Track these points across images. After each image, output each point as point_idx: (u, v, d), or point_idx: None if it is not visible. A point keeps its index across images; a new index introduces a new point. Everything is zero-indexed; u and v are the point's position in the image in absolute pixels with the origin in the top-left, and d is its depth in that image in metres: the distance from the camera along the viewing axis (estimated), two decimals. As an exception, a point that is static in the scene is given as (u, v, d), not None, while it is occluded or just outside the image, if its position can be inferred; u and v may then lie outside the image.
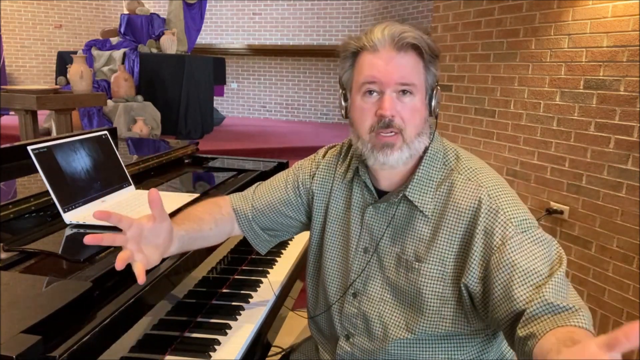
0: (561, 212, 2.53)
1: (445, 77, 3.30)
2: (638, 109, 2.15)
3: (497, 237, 0.85)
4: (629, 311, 2.22)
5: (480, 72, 3.03)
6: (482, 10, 2.98)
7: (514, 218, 0.86)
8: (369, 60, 0.90)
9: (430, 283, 0.93)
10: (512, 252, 0.83)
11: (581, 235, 2.45)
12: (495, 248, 0.85)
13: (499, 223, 0.86)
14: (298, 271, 1.63)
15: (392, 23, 0.91)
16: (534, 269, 0.81)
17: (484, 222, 0.87)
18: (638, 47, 2.13)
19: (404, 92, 0.90)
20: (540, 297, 0.77)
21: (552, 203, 2.58)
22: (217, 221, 1.10)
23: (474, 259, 0.87)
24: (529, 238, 0.85)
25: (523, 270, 0.81)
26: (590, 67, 2.35)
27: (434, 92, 0.94)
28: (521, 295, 0.80)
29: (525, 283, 0.80)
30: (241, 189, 1.23)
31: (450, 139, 3.28)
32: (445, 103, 3.32)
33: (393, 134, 0.90)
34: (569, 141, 2.48)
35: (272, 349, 1.39)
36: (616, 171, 2.25)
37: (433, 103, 0.95)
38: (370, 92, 0.91)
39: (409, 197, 0.95)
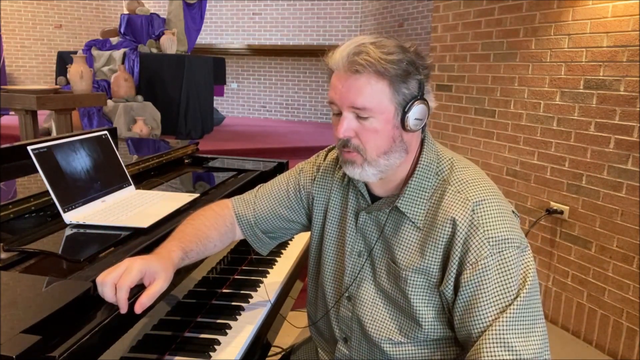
0: (561, 212, 2.53)
1: (445, 77, 3.30)
2: (638, 109, 2.15)
3: (472, 254, 0.86)
4: (629, 311, 2.22)
5: (480, 72, 3.03)
6: (482, 10, 2.98)
7: (492, 237, 0.86)
8: (333, 80, 0.91)
9: (418, 292, 0.94)
10: (481, 273, 0.85)
11: (581, 235, 2.45)
12: (468, 264, 0.86)
13: (476, 240, 0.86)
14: (298, 271, 1.62)
15: (358, 41, 0.88)
16: (498, 295, 0.84)
17: (464, 235, 0.87)
18: (638, 47, 2.13)
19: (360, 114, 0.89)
20: (493, 332, 0.82)
21: (552, 203, 2.59)
22: (221, 236, 1.11)
23: (452, 269, 0.89)
24: (502, 260, 0.85)
25: (487, 294, 0.85)
26: (590, 67, 2.35)
27: (410, 106, 0.88)
28: (478, 321, 0.85)
29: (486, 308, 0.84)
30: (241, 188, 1.23)
31: (450, 139, 3.29)
32: (445, 103, 3.32)
33: (352, 152, 0.92)
34: (569, 141, 2.48)
35: (272, 349, 1.39)
36: (616, 171, 2.25)
37: (410, 120, 0.88)
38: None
39: (401, 208, 0.95)
